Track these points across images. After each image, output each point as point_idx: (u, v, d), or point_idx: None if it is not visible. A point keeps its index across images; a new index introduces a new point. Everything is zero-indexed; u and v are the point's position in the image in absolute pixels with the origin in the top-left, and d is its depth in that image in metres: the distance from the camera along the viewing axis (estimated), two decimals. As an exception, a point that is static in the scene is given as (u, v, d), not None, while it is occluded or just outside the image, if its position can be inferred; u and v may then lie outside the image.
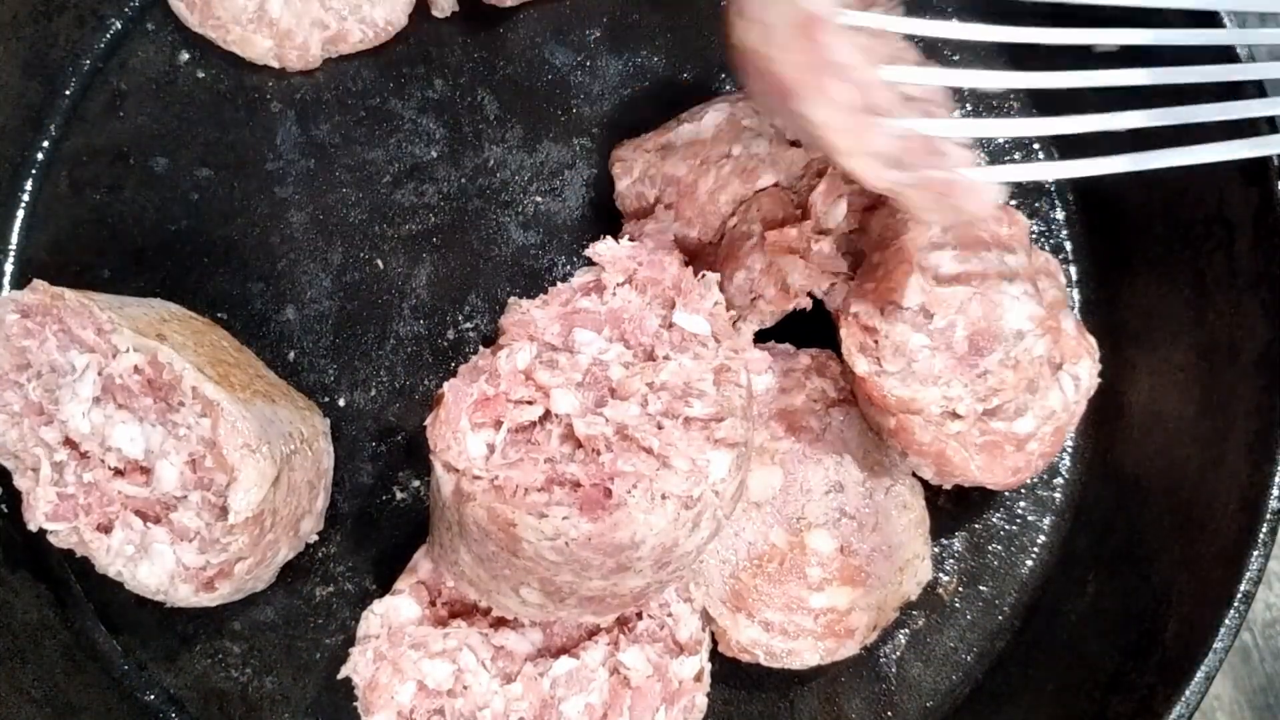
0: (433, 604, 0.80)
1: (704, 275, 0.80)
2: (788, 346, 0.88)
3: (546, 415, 0.73)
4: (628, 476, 0.67)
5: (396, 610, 0.79)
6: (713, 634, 0.83)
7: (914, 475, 0.86)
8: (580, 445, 0.71)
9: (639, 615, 0.80)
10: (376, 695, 0.76)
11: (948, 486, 0.85)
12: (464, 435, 0.71)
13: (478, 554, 0.71)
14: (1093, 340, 0.86)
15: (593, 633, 0.79)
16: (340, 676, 0.79)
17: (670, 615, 0.80)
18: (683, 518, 0.68)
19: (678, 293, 0.78)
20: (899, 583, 0.83)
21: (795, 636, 0.81)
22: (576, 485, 0.68)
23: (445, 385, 0.73)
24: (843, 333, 0.84)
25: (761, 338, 0.88)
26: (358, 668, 0.78)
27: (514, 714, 0.76)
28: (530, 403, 0.73)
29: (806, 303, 0.86)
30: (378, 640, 0.77)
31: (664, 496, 0.67)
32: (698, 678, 0.79)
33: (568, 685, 0.76)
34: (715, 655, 0.83)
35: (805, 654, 0.82)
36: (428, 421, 0.73)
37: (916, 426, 0.81)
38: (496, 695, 0.76)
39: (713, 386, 0.73)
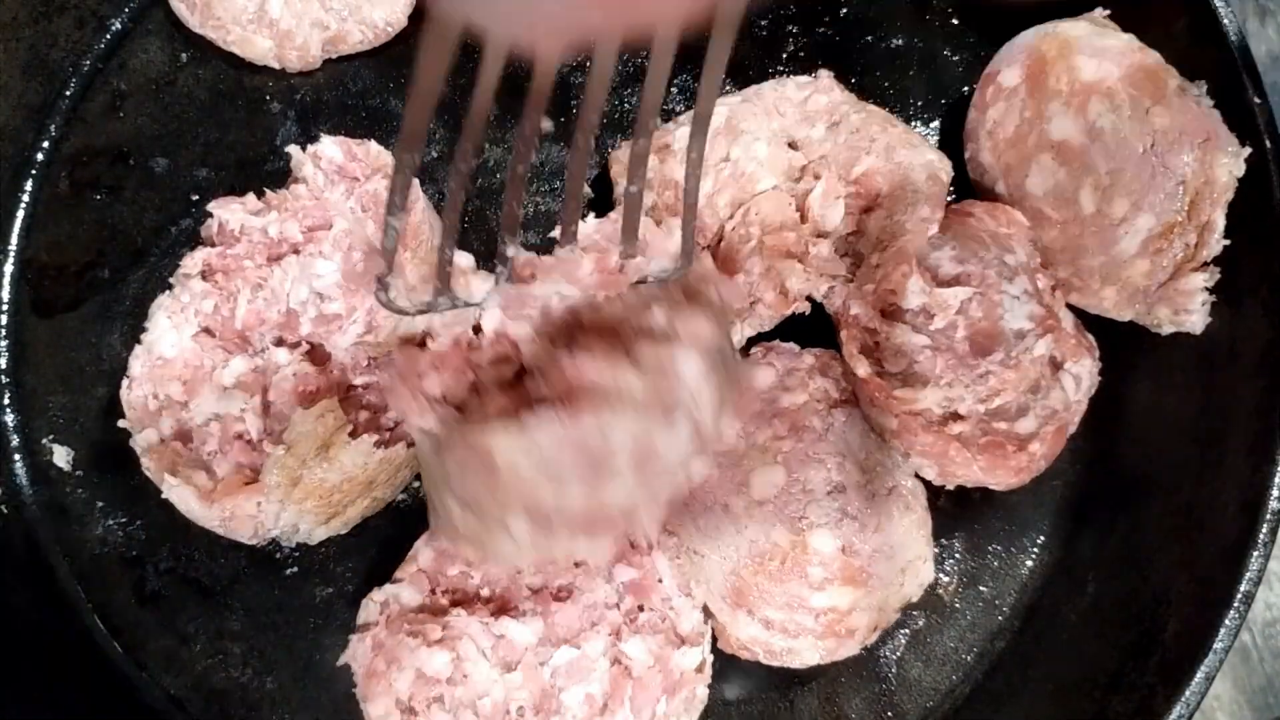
0: (433, 592, 0.79)
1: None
2: (792, 346, 0.88)
3: (520, 373, 0.68)
4: (594, 381, 0.63)
5: (396, 598, 0.79)
6: (713, 630, 0.83)
7: (916, 476, 0.86)
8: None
9: (640, 608, 0.79)
10: (374, 683, 0.76)
11: (950, 487, 0.86)
12: (424, 399, 0.67)
13: (463, 497, 0.67)
14: (1092, 339, 0.86)
15: (594, 623, 0.79)
16: (339, 664, 0.79)
17: (672, 608, 0.80)
18: (654, 415, 0.64)
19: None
20: (900, 584, 0.83)
21: (795, 635, 0.81)
22: (542, 400, 0.64)
23: (394, 351, 0.70)
24: (843, 335, 0.84)
25: (764, 339, 0.88)
26: (356, 655, 0.77)
27: (514, 703, 0.75)
28: (505, 360, 0.68)
29: (805, 307, 0.86)
30: (376, 628, 0.77)
31: (633, 395, 0.63)
32: (699, 669, 0.79)
33: (568, 675, 0.76)
34: (715, 653, 0.83)
35: (805, 653, 0.82)
36: (386, 391, 0.70)
37: (919, 427, 0.81)
38: (496, 684, 0.75)
39: (681, 298, 0.68)
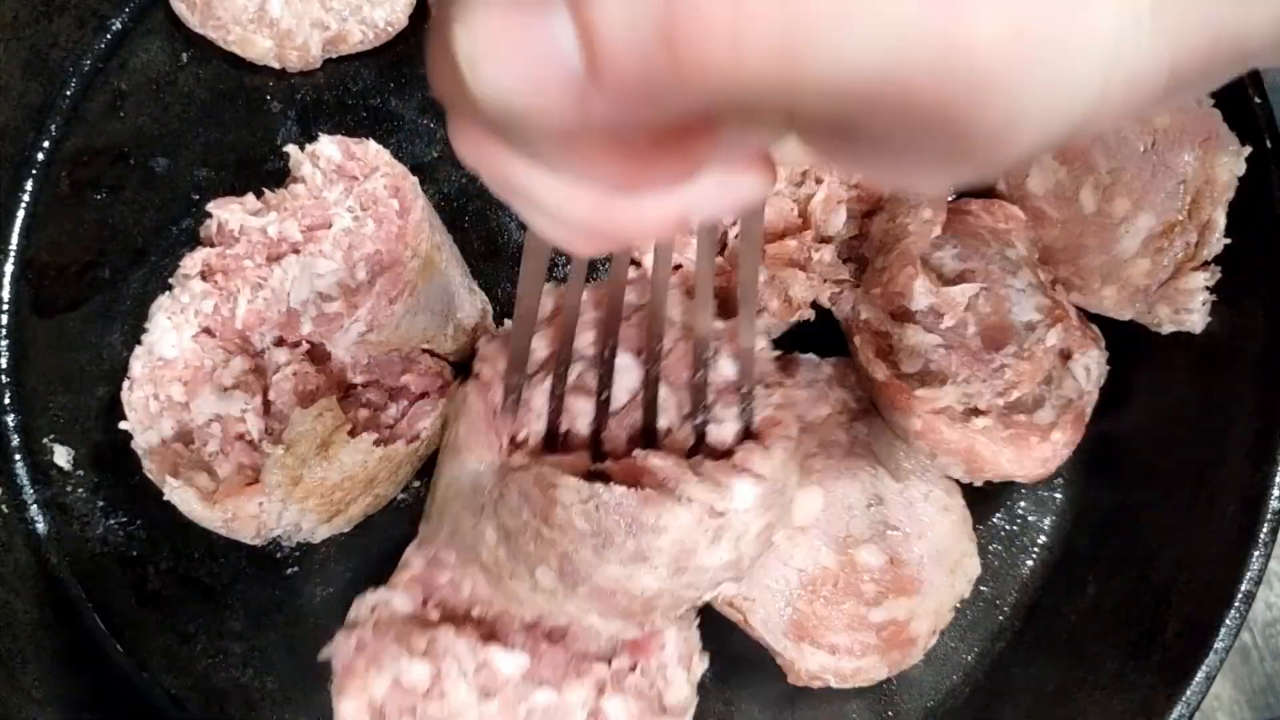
0: (424, 604, 0.79)
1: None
2: (811, 357, 0.88)
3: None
4: (658, 472, 0.69)
5: (388, 604, 0.78)
6: (780, 667, 0.83)
7: (946, 476, 0.86)
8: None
9: (633, 668, 0.79)
10: (351, 681, 0.75)
11: (979, 484, 0.85)
12: (491, 440, 0.72)
13: (508, 528, 0.71)
14: (1097, 329, 0.86)
15: (581, 672, 0.78)
16: (320, 658, 0.78)
17: (665, 677, 0.79)
18: (705, 524, 0.68)
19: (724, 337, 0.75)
20: (952, 584, 0.83)
21: (861, 655, 0.81)
22: (609, 477, 0.69)
23: (469, 389, 0.74)
24: (856, 341, 0.84)
25: (777, 345, 0.88)
26: (339, 651, 0.77)
27: None
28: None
29: (809, 314, 0.86)
30: (363, 629, 0.77)
31: (690, 499, 0.68)
32: None
33: (544, 717, 0.76)
34: (717, 656, 0.83)
35: (873, 670, 0.82)
36: (451, 430, 0.74)
37: (943, 425, 0.81)
38: (471, 709, 0.75)
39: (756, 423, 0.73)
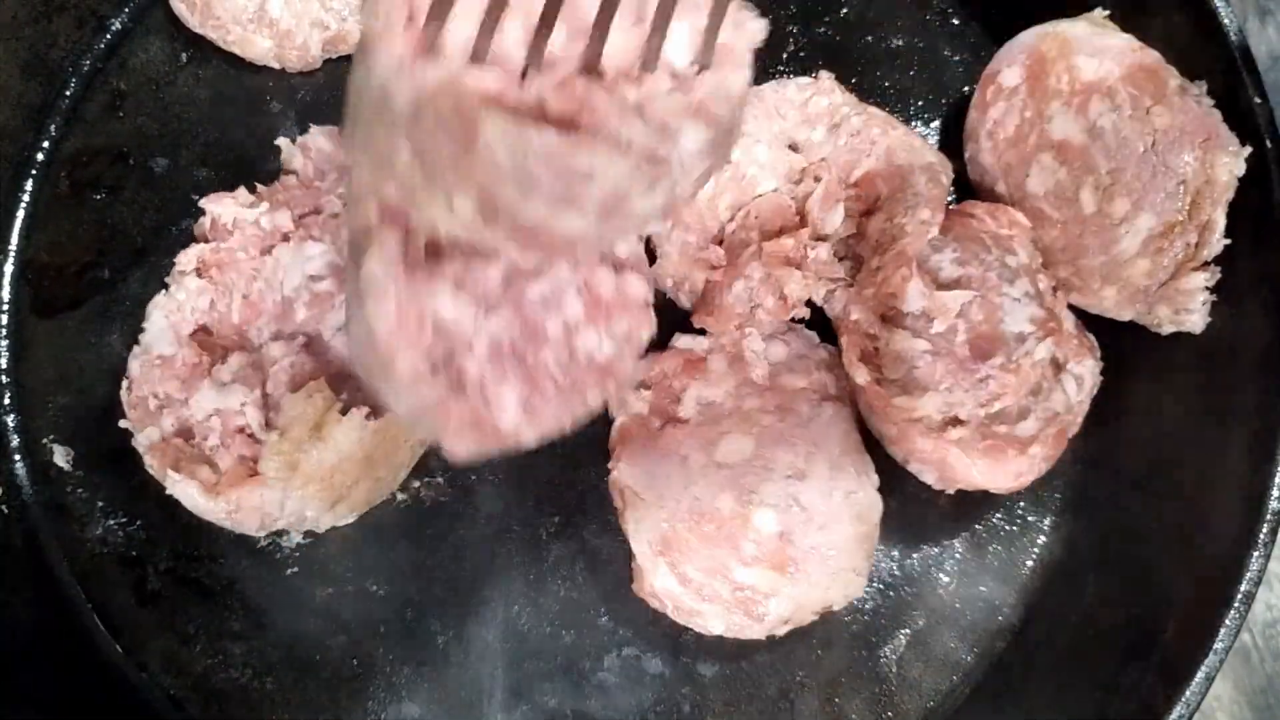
0: (405, 237, 0.72)
1: None
2: (812, 335, 0.89)
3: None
4: (599, 111, 0.61)
5: (385, 257, 0.70)
6: (633, 571, 0.84)
7: (879, 493, 0.85)
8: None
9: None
10: (400, 340, 0.71)
11: (950, 491, 0.85)
12: (402, 34, 0.61)
13: (421, 150, 0.64)
14: (1093, 339, 0.86)
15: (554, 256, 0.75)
16: (362, 335, 0.73)
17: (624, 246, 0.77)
18: (643, 171, 0.62)
19: None
20: (826, 587, 0.83)
21: (708, 600, 0.82)
22: (544, 110, 0.61)
23: None
24: (843, 341, 0.84)
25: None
26: (378, 316, 0.70)
27: (504, 338, 0.73)
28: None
29: (805, 312, 0.86)
30: (385, 283, 0.70)
31: (630, 143, 0.61)
32: (645, 303, 0.77)
33: (544, 304, 0.75)
34: (716, 657, 0.83)
35: (711, 620, 0.82)
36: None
37: (917, 434, 0.81)
38: (481, 332, 0.73)
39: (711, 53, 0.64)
